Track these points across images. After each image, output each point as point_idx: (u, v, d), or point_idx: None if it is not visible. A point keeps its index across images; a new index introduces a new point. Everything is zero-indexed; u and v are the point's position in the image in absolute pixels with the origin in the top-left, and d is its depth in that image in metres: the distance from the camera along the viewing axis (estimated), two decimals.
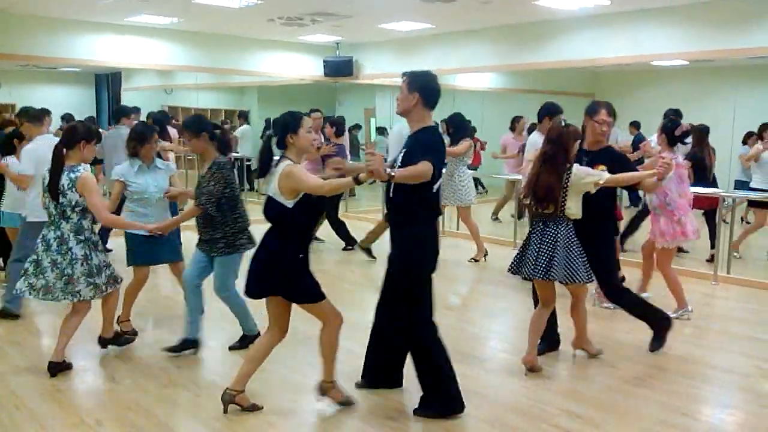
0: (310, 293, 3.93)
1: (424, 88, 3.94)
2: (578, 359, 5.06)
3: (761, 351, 5.42)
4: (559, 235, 4.49)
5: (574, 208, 4.51)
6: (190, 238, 5.69)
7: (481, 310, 6.48)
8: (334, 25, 10.19)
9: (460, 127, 8.11)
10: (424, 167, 3.73)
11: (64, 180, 4.35)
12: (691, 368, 4.95)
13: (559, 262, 4.46)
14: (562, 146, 4.50)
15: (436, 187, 3.91)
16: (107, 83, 13.45)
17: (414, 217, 3.93)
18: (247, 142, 12.61)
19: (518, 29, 10.01)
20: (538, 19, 9.51)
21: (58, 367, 4.53)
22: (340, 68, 12.31)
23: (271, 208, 3.86)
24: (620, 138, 8.67)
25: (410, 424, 4.01)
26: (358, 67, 12.39)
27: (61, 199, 4.35)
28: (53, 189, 4.35)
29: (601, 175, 4.53)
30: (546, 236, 4.52)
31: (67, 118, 10.09)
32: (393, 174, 3.70)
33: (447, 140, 6.36)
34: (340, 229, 8.83)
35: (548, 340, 5.05)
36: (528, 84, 12.16)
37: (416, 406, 4.06)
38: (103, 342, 4.95)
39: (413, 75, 3.99)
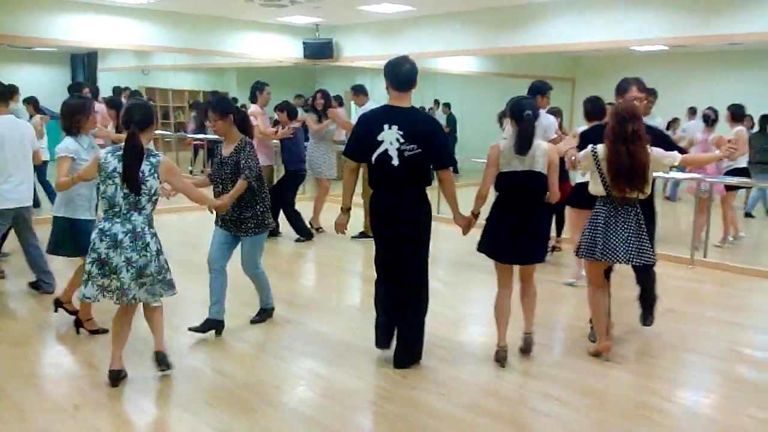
0: None
1: (386, 73, 4.35)
2: (556, 342, 5.11)
3: (736, 335, 5.50)
4: (640, 218, 4.47)
5: (648, 188, 4.49)
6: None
7: (461, 295, 6.51)
8: (314, 6, 10.10)
9: None
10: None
11: (144, 166, 3.91)
12: (668, 352, 5.01)
13: (643, 245, 4.46)
14: (641, 123, 4.37)
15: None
16: (83, 63, 13.25)
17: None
18: None
19: (499, 13, 9.99)
20: (518, 2, 9.50)
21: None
22: (319, 50, 12.23)
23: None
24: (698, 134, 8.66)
25: (390, 408, 4.03)
26: (338, 49, 12.31)
27: (141, 188, 3.91)
28: (135, 178, 3.87)
29: (674, 157, 4.48)
30: (629, 221, 4.45)
31: (32, 101, 9.72)
32: None
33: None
34: (297, 219, 8.52)
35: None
36: (508, 68, 12.16)
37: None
38: (161, 360, 4.27)
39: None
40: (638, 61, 12.26)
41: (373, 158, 4.31)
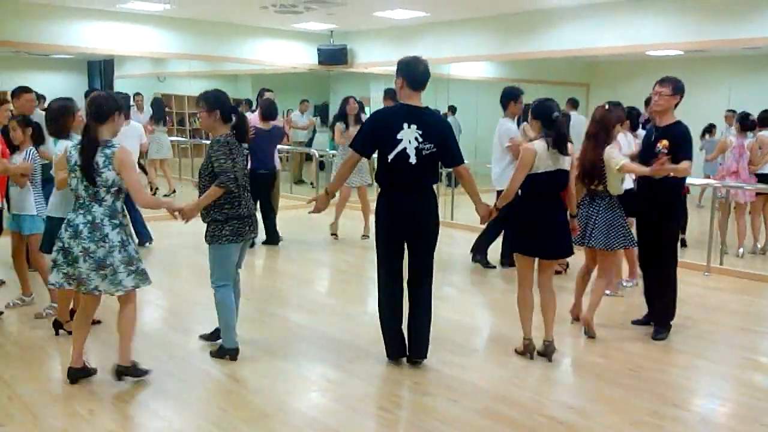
0: None
1: (402, 71, 4.39)
2: (569, 349, 5.08)
3: (752, 342, 5.44)
4: (600, 207, 5.08)
5: (614, 184, 5.03)
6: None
7: (475, 300, 6.49)
8: (328, 13, 10.13)
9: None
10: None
11: (99, 157, 3.93)
12: (683, 359, 4.97)
13: (598, 231, 5.06)
14: (604, 126, 5.03)
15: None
16: (100, 70, 13.35)
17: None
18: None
19: (513, 18, 9.97)
20: (532, 8, 9.48)
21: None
22: (333, 56, 12.26)
23: None
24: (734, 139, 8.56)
25: (401, 413, 4.03)
26: (352, 55, 12.34)
27: (96, 180, 3.94)
28: (88, 169, 3.92)
29: (617, 161, 4.96)
30: (591, 209, 5.12)
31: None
32: None
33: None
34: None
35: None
36: (522, 74, 12.11)
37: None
38: (120, 371, 4.24)
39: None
40: (654, 66, 12.18)
41: (390, 157, 4.33)
